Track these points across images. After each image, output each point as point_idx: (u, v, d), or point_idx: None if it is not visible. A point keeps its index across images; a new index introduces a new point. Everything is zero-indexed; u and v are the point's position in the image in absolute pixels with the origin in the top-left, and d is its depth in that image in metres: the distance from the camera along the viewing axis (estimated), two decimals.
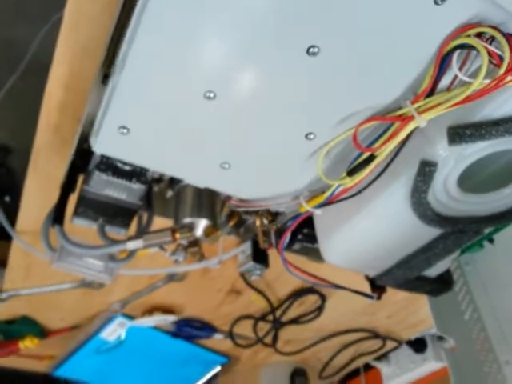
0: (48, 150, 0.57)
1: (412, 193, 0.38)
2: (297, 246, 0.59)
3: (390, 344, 1.08)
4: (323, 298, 0.90)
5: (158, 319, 0.90)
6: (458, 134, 0.34)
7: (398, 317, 0.98)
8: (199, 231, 0.47)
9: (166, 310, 0.92)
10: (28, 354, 1.00)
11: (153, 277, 0.82)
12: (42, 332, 0.96)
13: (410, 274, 0.48)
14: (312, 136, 0.39)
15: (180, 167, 0.43)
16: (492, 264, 0.55)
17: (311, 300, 0.92)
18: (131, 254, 0.49)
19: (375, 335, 1.04)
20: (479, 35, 0.31)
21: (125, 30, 0.34)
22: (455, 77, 0.32)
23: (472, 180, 0.39)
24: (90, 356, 1.00)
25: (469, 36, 0.31)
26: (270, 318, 0.94)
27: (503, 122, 0.33)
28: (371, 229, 0.43)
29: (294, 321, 0.95)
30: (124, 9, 0.34)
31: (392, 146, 0.36)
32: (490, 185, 0.39)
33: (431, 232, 0.43)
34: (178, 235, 0.46)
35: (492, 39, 0.31)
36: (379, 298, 0.56)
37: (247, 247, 0.57)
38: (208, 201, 0.49)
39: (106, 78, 0.39)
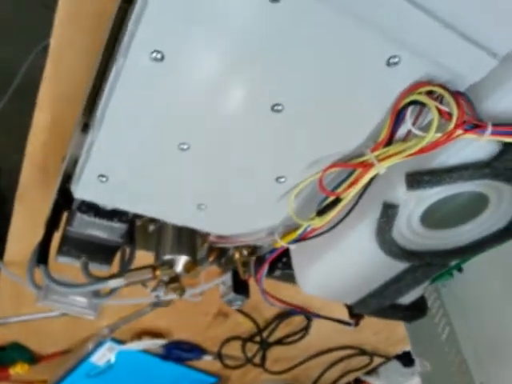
0: (34, 186, 0.59)
1: (377, 232, 0.40)
2: (277, 272, 0.61)
3: (378, 360, 1.09)
4: (309, 318, 0.91)
5: (147, 343, 0.91)
6: (416, 180, 0.36)
7: (384, 333, 0.99)
8: (179, 267, 0.49)
9: (155, 334, 0.93)
10: (19, 380, 1.01)
11: (138, 304, 0.84)
12: (32, 358, 0.96)
13: (383, 302, 0.50)
14: (283, 179, 0.41)
15: (158, 209, 0.45)
16: (462, 290, 0.57)
17: (297, 320, 0.93)
18: (114, 289, 0.51)
19: (362, 352, 1.05)
20: (430, 92, 0.33)
21: (104, 82, 0.36)
22: (410, 130, 0.35)
23: (434, 217, 0.41)
24: (81, 380, 1.01)
25: (420, 93, 0.33)
26: (258, 338, 0.95)
27: (456, 169, 0.35)
28: (342, 264, 0.45)
29: (281, 341, 0.96)
30: (102, 61, 0.36)
31: (355, 190, 0.38)
32: (451, 222, 0.41)
33: (400, 265, 0.45)
34: (158, 272, 0.47)
35: (442, 96, 0.33)
36: (357, 324, 0.58)
37: (228, 278, 0.59)
38: (188, 237, 0.51)
39: (85, 126, 0.41)
